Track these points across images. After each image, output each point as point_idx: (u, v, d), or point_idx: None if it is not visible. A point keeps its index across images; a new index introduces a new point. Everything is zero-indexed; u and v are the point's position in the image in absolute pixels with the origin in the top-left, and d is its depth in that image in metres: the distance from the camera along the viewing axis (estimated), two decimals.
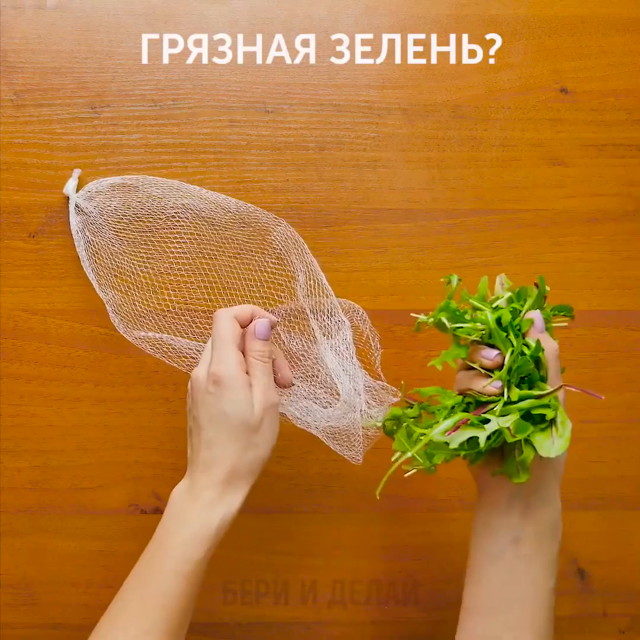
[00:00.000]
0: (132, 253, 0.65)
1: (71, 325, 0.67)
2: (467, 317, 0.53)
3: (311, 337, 0.61)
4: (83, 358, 0.67)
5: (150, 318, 0.64)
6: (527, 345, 0.51)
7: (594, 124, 0.70)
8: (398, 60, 0.69)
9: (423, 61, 0.69)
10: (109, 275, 0.64)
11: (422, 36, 0.69)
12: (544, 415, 0.49)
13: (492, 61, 0.69)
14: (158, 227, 0.65)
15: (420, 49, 0.69)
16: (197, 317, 0.64)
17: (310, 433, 0.59)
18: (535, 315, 0.52)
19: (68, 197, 0.65)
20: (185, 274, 0.66)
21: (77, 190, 0.65)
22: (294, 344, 0.62)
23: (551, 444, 0.48)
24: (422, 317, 0.54)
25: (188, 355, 0.61)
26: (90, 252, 0.64)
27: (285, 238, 0.64)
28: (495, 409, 0.49)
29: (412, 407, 0.55)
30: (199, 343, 0.62)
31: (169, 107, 0.67)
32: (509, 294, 0.54)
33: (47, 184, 0.66)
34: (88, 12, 0.67)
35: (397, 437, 0.52)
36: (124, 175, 0.66)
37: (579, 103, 0.70)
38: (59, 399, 0.67)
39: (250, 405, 0.52)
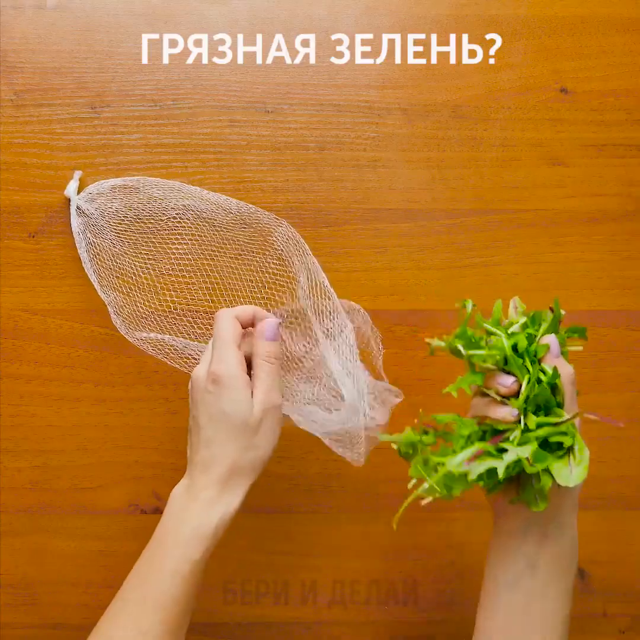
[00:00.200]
0: (134, 254, 0.65)
1: (71, 325, 0.67)
2: (482, 343, 0.52)
3: (313, 339, 0.61)
4: (83, 358, 0.67)
5: (152, 319, 0.64)
6: (544, 371, 0.50)
7: (594, 124, 0.70)
8: (398, 60, 0.69)
9: (423, 61, 0.69)
10: (111, 276, 0.64)
11: (422, 36, 0.69)
12: (562, 442, 0.49)
13: (492, 61, 0.69)
14: (159, 228, 0.65)
15: (420, 49, 0.69)
16: (199, 318, 0.64)
17: (310, 433, 0.59)
18: (551, 340, 0.51)
19: (69, 199, 0.65)
20: (187, 275, 0.66)
21: (78, 192, 0.65)
22: (296, 346, 0.62)
23: (569, 473, 0.47)
24: (436, 342, 0.53)
25: (190, 356, 0.61)
26: (92, 254, 0.64)
27: (287, 239, 0.64)
28: (512, 438, 0.49)
29: (427, 434, 0.53)
30: (201, 344, 0.62)
31: (169, 107, 0.67)
32: (524, 318, 0.53)
33: (47, 184, 0.66)
34: (88, 12, 0.67)
35: (413, 463, 0.51)
36: (124, 176, 0.66)
37: (579, 103, 0.70)
38: (59, 399, 0.67)
39: (250, 405, 0.52)
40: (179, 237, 0.65)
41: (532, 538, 0.50)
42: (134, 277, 0.65)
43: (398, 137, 0.69)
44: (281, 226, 0.64)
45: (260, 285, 0.65)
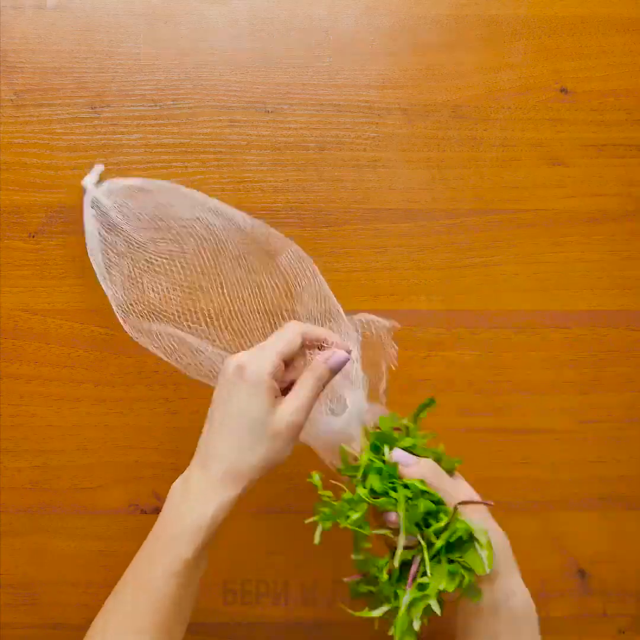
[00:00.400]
0: (141, 257, 0.63)
1: (71, 325, 0.67)
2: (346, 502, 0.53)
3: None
4: (83, 358, 0.67)
5: (151, 318, 0.63)
6: (408, 486, 0.51)
7: (594, 124, 0.70)
8: (398, 60, 0.69)
9: (423, 61, 0.69)
10: (118, 273, 0.62)
11: (422, 36, 0.69)
12: (461, 536, 0.50)
13: (492, 61, 0.69)
14: (169, 237, 0.63)
15: (420, 49, 0.69)
16: (197, 323, 0.62)
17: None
18: (396, 455, 0.53)
19: (84, 189, 0.62)
20: (188, 291, 0.63)
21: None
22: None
23: (481, 560, 0.50)
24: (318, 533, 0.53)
25: (185, 355, 0.59)
26: (102, 247, 0.62)
27: (296, 259, 0.62)
28: (423, 567, 0.50)
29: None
30: (202, 342, 0.60)
31: (169, 107, 0.67)
32: (365, 451, 0.54)
33: (47, 184, 0.66)
34: (88, 12, 0.67)
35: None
36: (124, 176, 0.65)
37: (579, 103, 0.70)
38: (59, 399, 0.67)
39: (265, 410, 0.50)
40: (186, 248, 0.63)
41: (486, 611, 0.52)
42: (139, 276, 0.63)
43: (398, 137, 0.69)
44: (291, 247, 0.62)
45: (264, 299, 0.63)
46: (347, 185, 0.69)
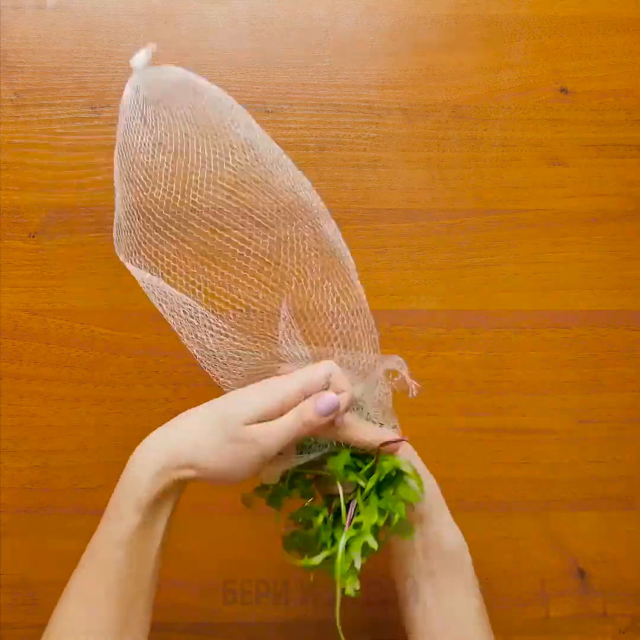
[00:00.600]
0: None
1: (71, 325, 0.67)
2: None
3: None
4: (83, 358, 0.67)
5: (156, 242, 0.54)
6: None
7: (594, 124, 0.70)
8: (398, 60, 0.69)
9: (423, 61, 0.69)
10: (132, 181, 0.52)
11: (422, 36, 0.69)
12: (390, 472, 0.51)
13: (492, 61, 0.69)
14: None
15: (420, 49, 0.69)
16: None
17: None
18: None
19: (133, 68, 0.50)
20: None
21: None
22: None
23: (412, 489, 0.51)
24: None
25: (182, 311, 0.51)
26: (127, 140, 0.51)
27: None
28: (357, 509, 0.51)
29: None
30: (198, 307, 0.53)
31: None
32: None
33: (47, 184, 0.66)
34: (88, 12, 0.67)
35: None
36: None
37: (579, 103, 0.70)
38: (59, 399, 0.67)
39: (246, 417, 0.48)
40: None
41: (418, 551, 0.53)
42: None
43: (398, 137, 0.69)
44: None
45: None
46: (347, 185, 0.69)
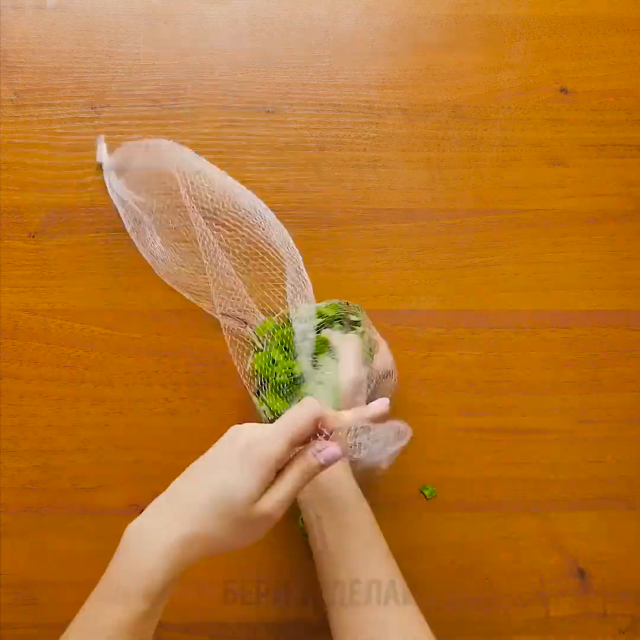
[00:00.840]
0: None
1: (71, 325, 0.67)
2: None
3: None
4: (83, 358, 0.67)
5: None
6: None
7: (594, 124, 0.70)
8: (398, 60, 0.69)
9: (423, 61, 0.69)
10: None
11: (422, 36, 0.69)
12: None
13: (492, 61, 0.69)
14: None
15: (420, 49, 0.69)
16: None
17: None
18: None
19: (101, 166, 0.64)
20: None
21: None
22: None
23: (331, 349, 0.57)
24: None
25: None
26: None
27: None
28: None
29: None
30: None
31: (169, 107, 0.67)
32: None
33: (47, 184, 0.66)
34: (88, 12, 0.67)
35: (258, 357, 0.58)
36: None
37: (579, 103, 0.70)
38: (59, 399, 0.67)
39: (250, 495, 0.46)
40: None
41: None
42: None
43: (398, 137, 0.69)
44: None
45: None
46: (347, 185, 0.69)
